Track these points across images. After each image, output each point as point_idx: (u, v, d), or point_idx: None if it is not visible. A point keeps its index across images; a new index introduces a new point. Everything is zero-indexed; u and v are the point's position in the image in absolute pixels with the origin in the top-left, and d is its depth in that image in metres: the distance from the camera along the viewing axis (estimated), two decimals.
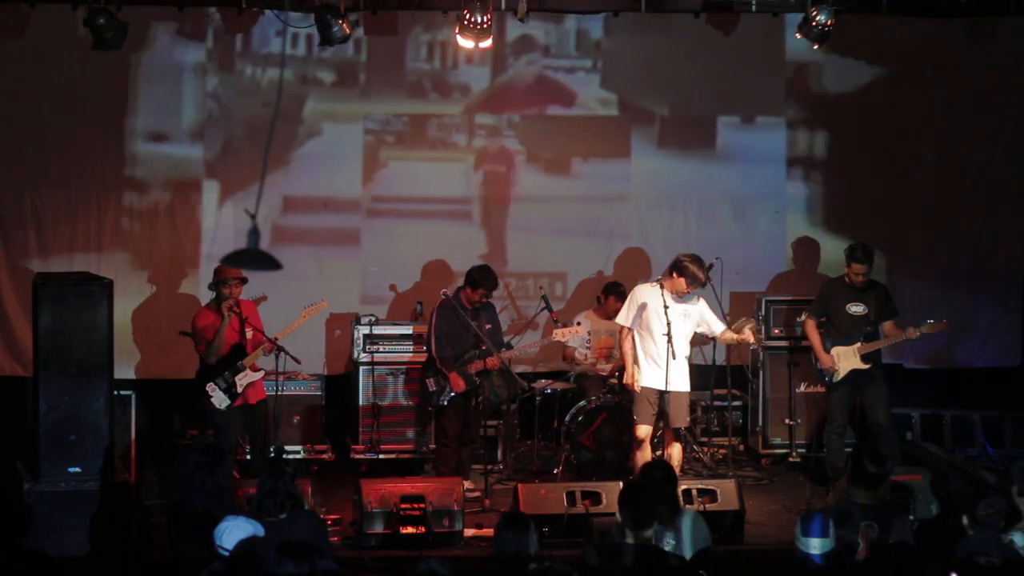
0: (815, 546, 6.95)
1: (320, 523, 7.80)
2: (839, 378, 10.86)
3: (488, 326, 10.77)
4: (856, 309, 10.92)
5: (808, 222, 12.82)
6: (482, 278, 10.75)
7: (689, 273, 10.14)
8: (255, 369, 10.37)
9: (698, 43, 12.40)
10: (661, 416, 10.33)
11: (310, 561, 6.42)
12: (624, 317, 10.46)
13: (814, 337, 10.99)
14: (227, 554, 6.70)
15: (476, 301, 10.73)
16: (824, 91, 12.72)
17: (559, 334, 10.86)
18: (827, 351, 10.89)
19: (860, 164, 12.73)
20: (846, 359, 10.85)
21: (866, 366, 10.84)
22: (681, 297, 10.23)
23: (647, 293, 10.34)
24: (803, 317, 11.24)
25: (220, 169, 12.14)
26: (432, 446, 11.29)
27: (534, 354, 11.63)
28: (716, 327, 10.45)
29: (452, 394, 10.73)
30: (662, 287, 10.23)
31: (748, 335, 10.44)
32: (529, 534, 6.70)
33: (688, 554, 7.38)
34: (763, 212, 12.78)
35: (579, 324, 11.35)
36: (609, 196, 12.63)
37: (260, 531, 6.86)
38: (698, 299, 10.39)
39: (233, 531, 6.74)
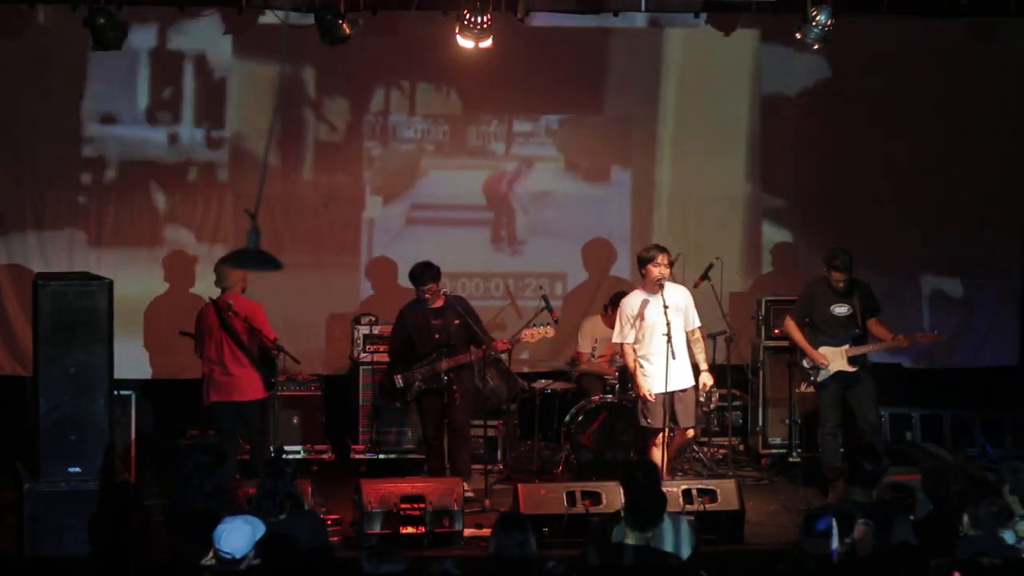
0: (817, 546, 6.95)
1: (320, 523, 7.80)
2: (826, 376, 10.83)
3: (457, 321, 10.67)
4: (841, 310, 10.85)
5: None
6: (411, 274, 10.71)
7: (644, 260, 10.27)
8: None
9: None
10: (671, 417, 10.35)
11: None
12: (620, 335, 10.50)
13: (798, 335, 10.93)
14: (227, 556, 6.70)
15: (423, 296, 10.64)
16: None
17: (528, 335, 10.80)
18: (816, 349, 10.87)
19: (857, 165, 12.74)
20: (833, 359, 10.80)
21: (852, 369, 10.77)
22: (658, 293, 10.21)
23: (633, 303, 10.42)
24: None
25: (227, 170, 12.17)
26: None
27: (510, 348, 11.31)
28: (692, 322, 10.45)
29: (420, 387, 10.70)
30: (642, 290, 10.37)
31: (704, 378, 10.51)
32: (526, 534, 6.70)
33: None
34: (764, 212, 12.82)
35: (549, 327, 11.01)
36: (609, 196, 12.64)
37: (260, 529, 6.85)
38: (681, 291, 10.44)
39: (231, 533, 6.72)
